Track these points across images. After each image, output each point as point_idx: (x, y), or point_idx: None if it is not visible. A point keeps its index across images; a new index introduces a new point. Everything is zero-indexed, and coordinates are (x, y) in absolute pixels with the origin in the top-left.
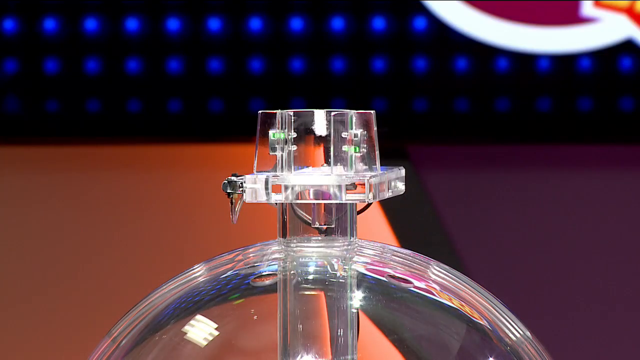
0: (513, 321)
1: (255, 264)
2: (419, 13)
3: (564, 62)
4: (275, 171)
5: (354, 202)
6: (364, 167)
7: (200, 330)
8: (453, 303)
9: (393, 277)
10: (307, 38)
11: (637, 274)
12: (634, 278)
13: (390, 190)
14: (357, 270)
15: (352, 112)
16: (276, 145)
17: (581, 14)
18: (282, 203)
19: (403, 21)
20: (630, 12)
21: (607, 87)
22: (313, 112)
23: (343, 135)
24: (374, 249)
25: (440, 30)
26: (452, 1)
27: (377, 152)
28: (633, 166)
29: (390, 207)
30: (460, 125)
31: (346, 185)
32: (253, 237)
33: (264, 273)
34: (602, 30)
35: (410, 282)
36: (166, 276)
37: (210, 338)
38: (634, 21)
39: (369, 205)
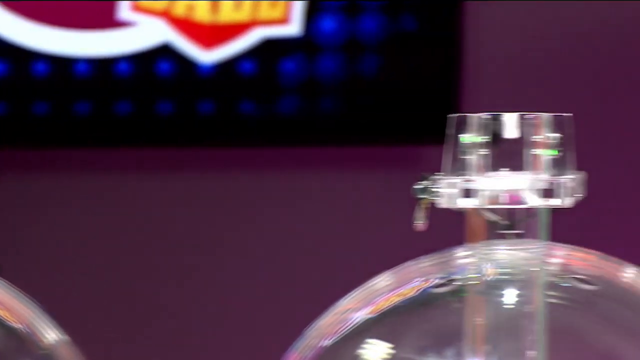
0: (50, 325)
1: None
2: None
3: (103, 65)
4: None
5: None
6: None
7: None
8: None
9: None
10: None
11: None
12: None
13: None
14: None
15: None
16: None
17: (118, 18)
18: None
19: None
20: (167, 15)
21: (146, 90)
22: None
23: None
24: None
25: None
26: None
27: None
28: (164, 169)
29: None
30: None
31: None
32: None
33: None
34: (139, 34)
35: None
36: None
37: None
38: (171, 24)
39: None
